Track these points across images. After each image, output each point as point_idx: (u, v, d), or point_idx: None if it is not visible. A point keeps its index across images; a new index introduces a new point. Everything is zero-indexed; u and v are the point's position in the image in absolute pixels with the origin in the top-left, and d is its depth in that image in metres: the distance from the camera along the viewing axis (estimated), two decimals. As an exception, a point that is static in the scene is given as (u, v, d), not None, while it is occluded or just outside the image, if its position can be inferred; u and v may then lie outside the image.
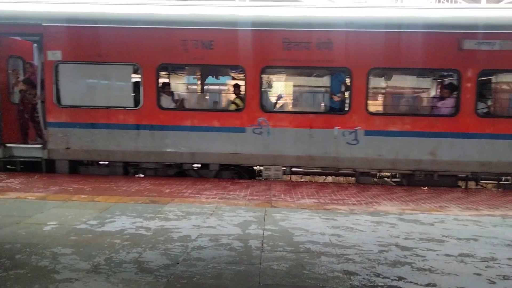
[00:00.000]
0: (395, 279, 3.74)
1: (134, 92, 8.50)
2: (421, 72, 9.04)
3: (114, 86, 8.61)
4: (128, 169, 8.86)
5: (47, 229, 4.91)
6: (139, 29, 8.23)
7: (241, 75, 8.95)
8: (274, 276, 3.77)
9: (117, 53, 8.28)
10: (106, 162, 8.86)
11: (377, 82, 9.41)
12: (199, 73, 10.75)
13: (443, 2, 20.12)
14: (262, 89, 8.45)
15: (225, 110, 9.26)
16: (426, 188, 8.21)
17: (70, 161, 8.65)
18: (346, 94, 8.50)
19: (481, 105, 8.26)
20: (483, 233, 5.20)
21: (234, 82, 9.65)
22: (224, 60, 8.41)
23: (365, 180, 8.68)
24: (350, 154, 8.28)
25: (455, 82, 8.23)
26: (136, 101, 8.46)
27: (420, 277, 3.80)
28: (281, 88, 11.84)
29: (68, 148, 8.50)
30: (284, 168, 8.61)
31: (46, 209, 5.77)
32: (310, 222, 5.47)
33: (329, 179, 10.30)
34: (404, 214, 6.02)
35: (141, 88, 8.36)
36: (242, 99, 8.64)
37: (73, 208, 5.85)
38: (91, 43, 8.28)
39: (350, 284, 3.63)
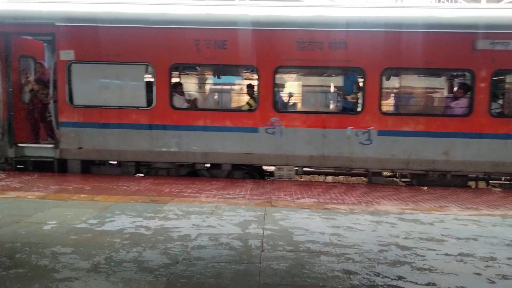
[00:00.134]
0: (395, 279, 3.75)
1: (146, 92, 8.49)
2: (434, 72, 9.03)
3: (127, 86, 8.60)
4: (140, 169, 8.85)
5: (47, 228, 4.91)
6: (152, 29, 8.20)
7: (254, 75, 8.92)
8: (274, 275, 3.77)
9: (130, 53, 8.26)
10: (117, 162, 8.84)
11: (391, 82, 9.40)
12: (212, 73, 10.74)
13: (443, 2, 20.11)
14: (275, 89, 8.44)
15: (238, 110, 9.22)
16: (426, 187, 8.22)
17: (82, 161, 8.65)
18: (359, 94, 8.50)
19: (494, 105, 8.26)
20: (482, 233, 5.20)
21: (246, 82, 9.64)
22: (237, 60, 8.38)
23: (377, 180, 8.66)
24: (363, 154, 8.26)
25: (468, 82, 8.20)
26: (149, 101, 8.44)
27: (419, 277, 3.80)
28: (294, 88, 11.84)
29: (80, 148, 8.49)
30: (297, 168, 8.60)
31: (46, 208, 5.77)
32: (310, 222, 5.47)
33: (340, 179, 10.30)
34: (404, 214, 6.02)
35: (154, 88, 8.35)
36: (255, 99, 8.63)
37: (73, 207, 5.85)
38: (104, 43, 8.26)
39: (350, 283, 3.63)
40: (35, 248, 4.25)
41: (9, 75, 8.71)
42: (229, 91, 11.89)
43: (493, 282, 3.75)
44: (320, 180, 10.05)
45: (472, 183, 8.83)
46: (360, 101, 8.45)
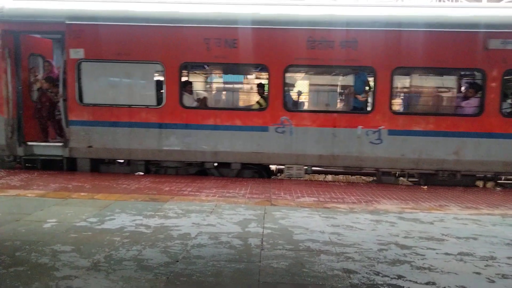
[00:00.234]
0: (395, 278, 3.75)
1: (156, 91, 8.49)
2: (445, 72, 9.01)
3: (137, 85, 8.60)
4: (149, 168, 8.85)
5: (46, 227, 4.91)
6: (162, 27, 8.18)
7: (264, 74, 8.90)
8: (273, 274, 3.78)
9: (140, 52, 8.24)
10: (127, 161, 8.84)
11: (402, 81, 9.36)
12: (222, 71, 10.70)
13: (443, 1, 20.07)
14: (285, 88, 8.42)
15: (247, 109, 9.21)
16: (425, 187, 8.22)
17: (91, 159, 8.65)
18: (370, 93, 8.47)
19: (505, 105, 8.26)
20: (482, 232, 5.21)
21: (256, 81, 9.60)
22: (247, 59, 8.35)
23: (387, 179, 8.65)
24: (373, 154, 8.25)
25: (479, 82, 8.18)
26: (159, 100, 8.43)
27: (419, 276, 3.81)
28: (304, 87, 11.81)
29: (90, 147, 8.48)
30: (306, 167, 8.60)
31: (46, 206, 5.78)
32: (309, 221, 5.47)
33: (340, 178, 10.29)
34: (404, 213, 6.02)
35: (164, 87, 8.34)
36: (265, 98, 8.61)
37: (72, 206, 5.85)
38: (114, 41, 8.25)
39: (349, 282, 3.64)
40: (35, 246, 4.25)
41: (19, 74, 8.72)
42: (239, 90, 11.87)
43: (493, 282, 3.75)
44: (320, 179, 10.05)
45: (479, 183, 8.83)
46: (370, 100, 8.44)
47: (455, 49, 7.97)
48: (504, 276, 3.87)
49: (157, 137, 8.42)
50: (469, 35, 7.94)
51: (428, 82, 10.16)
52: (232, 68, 9.71)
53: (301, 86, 11.74)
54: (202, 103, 9.29)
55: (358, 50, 8.05)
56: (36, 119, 9.08)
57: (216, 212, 5.73)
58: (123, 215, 5.47)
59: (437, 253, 4.41)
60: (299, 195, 7.06)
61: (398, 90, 9.28)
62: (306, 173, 8.66)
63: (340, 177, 10.25)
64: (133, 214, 5.51)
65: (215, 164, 8.80)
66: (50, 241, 4.41)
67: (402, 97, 9.73)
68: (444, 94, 10.12)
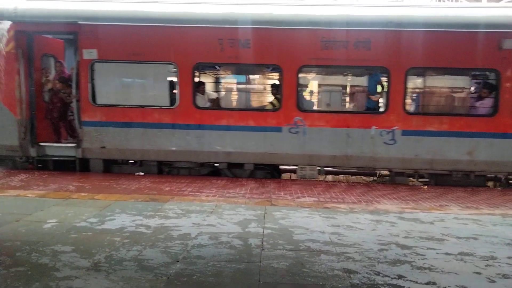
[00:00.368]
0: (395, 278, 3.75)
1: (170, 92, 8.48)
2: (459, 72, 8.99)
3: (150, 85, 8.59)
4: (162, 168, 8.84)
5: (47, 227, 4.91)
6: (176, 28, 8.17)
7: (277, 75, 8.89)
8: (274, 274, 3.78)
9: (153, 52, 8.24)
10: (139, 161, 8.84)
11: (415, 82, 9.32)
12: (235, 72, 10.67)
13: (443, 1, 20.07)
14: (299, 88, 8.40)
15: (261, 110, 9.15)
16: (426, 187, 8.22)
17: (104, 160, 8.64)
18: (384, 94, 8.45)
19: None
20: (483, 232, 5.21)
21: (270, 81, 9.58)
22: (261, 59, 8.35)
23: (401, 180, 8.62)
24: (387, 154, 8.23)
25: (493, 82, 8.16)
26: (172, 101, 8.43)
27: (420, 276, 3.81)
28: (318, 88, 11.76)
29: (103, 147, 8.48)
30: (319, 168, 8.58)
31: (46, 206, 5.78)
32: (310, 221, 5.47)
33: (340, 178, 10.28)
34: (404, 213, 6.02)
35: (177, 87, 8.33)
36: (278, 98, 8.59)
37: (73, 206, 5.85)
38: (127, 42, 8.25)
39: (350, 282, 3.63)
40: (35, 246, 4.25)
41: (32, 74, 8.72)
42: (252, 91, 11.84)
43: (493, 281, 3.75)
44: (320, 179, 10.05)
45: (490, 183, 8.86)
46: (384, 100, 8.42)
47: (469, 49, 7.94)
48: (504, 276, 3.87)
49: (170, 138, 8.42)
50: (483, 35, 7.91)
51: (442, 83, 10.14)
52: (245, 68, 9.68)
53: (315, 86, 11.68)
54: (216, 103, 9.26)
55: (372, 51, 8.04)
56: (48, 120, 9.09)
57: (216, 212, 5.73)
58: (123, 215, 5.47)
59: (437, 253, 4.41)
60: (299, 195, 7.06)
61: (412, 90, 9.25)
62: (319, 174, 8.65)
63: (340, 177, 10.25)
64: (133, 214, 5.51)
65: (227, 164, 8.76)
66: (50, 242, 4.41)
67: (416, 98, 9.71)
68: (458, 95, 10.06)
